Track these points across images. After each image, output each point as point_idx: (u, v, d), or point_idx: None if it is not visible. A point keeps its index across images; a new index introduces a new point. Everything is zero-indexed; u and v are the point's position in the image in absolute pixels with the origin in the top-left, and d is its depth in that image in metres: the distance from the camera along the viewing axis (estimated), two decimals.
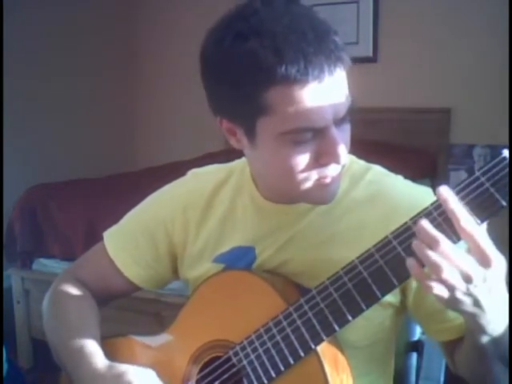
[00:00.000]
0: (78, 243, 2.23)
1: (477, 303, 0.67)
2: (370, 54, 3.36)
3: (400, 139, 3.17)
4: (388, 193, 0.86)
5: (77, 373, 0.85)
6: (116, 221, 1.02)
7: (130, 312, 2.01)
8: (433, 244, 0.64)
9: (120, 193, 2.34)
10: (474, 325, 0.71)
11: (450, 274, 0.63)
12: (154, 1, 3.93)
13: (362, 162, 0.92)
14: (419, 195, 0.85)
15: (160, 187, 1.01)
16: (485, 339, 0.73)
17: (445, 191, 0.65)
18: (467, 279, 0.64)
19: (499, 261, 0.65)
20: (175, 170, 1.04)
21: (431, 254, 0.64)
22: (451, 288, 0.64)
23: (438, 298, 0.66)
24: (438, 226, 0.66)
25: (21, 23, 3.12)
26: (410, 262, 0.66)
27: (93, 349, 0.87)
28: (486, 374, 0.82)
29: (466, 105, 3.15)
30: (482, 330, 0.71)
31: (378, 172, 0.90)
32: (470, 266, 0.64)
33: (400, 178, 0.90)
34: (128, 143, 4.08)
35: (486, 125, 3.09)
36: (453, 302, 0.66)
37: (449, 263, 0.63)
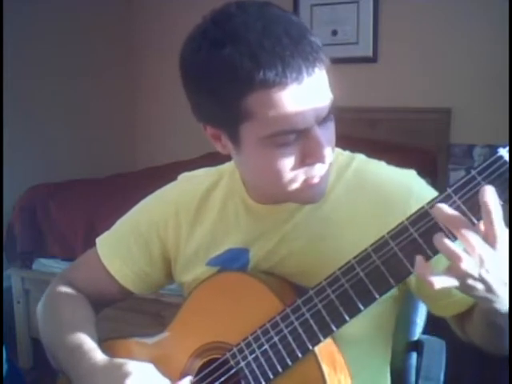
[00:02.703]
0: (77, 243, 2.23)
1: (489, 289, 0.65)
2: (370, 54, 3.36)
3: (400, 139, 3.17)
4: (374, 180, 0.87)
5: (76, 370, 0.85)
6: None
7: (130, 312, 2.01)
8: (453, 223, 0.63)
9: (120, 193, 2.33)
10: (489, 308, 0.70)
11: (468, 263, 0.62)
12: (153, 0, 3.93)
13: (346, 153, 0.92)
14: (405, 178, 0.87)
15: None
16: (500, 318, 0.72)
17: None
18: (480, 263, 0.63)
19: (505, 240, 0.63)
20: (175, 170, 1.03)
21: (455, 248, 0.63)
22: (464, 276, 0.63)
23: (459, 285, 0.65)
24: (435, 225, 0.67)
25: (21, 23, 3.12)
26: (418, 263, 0.65)
27: (91, 345, 0.87)
28: (501, 343, 0.80)
29: (466, 105, 3.16)
30: (497, 313, 0.70)
31: (362, 160, 0.91)
32: (484, 249, 0.63)
33: (383, 163, 0.91)
34: (128, 143, 4.08)
35: (486, 125, 3.09)
36: (465, 288, 0.65)
37: (469, 250, 0.62)
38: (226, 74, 0.71)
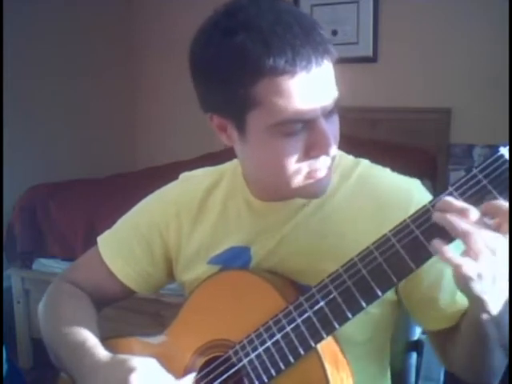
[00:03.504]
0: (77, 243, 2.23)
1: (494, 281, 0.65)
2: (370, 53, 3.36)
3: (400, 139, 3.17)
4: (377, 186, 0.87)
5: (79, 368, 0.84)
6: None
7: (130, 312, 2.01)
8: (463, 214, 0.63)
9: (120, 193, 2.33)
10: (480, 308, 0.70)
11: (480, 240, 0.63)
12: (154, 0, 3.93)
13: (350, 157, 0.92)
14: (407, 187, 0.87)
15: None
16: (488, 323, 0.72)
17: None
18: (492, 250, 0.63)
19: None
20: (175, 170, 1.03)
21: (460, 221, 0.63)
22: (477, 259, 0.63)
23: (464, 276, 0.64)
24: (435, 225, 0.67)
25: (21, 23, 3.12)
26: (436, 244, 0.65)
27: (94, 342, 0.87)
28: (486, 364, 0.81)
29: (466, 105, 3.16)
30: (487, 313, 0.70)
31: (366, 165, 0.91)
32: (496, 237, 0.64)
33: (387, 170, 0.91)
34: (128, 143, 4.08)
35: (486, 125, 3.09)
36: (474, 279, 0.65)
37: (478, 231, 0.63)
38: (237, 60, 0.72)
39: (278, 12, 0.74)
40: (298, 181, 0.79)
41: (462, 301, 0.81)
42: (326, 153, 0.77)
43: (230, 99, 0.76)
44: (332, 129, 0.78)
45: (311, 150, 0.77)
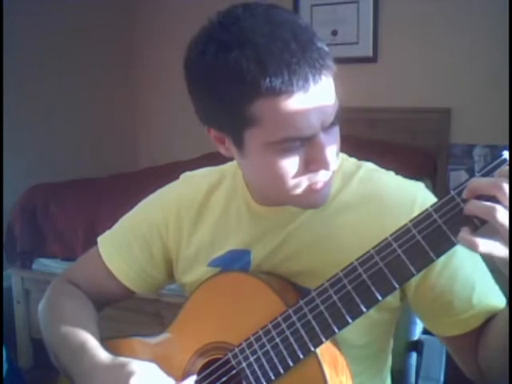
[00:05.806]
0: (77, 243, 2.23)
1: None
2: (370, 53, 3.36)
3: (400, 139, 3.17)
4: (379, 190, 0.86)
5: (79, 368, 0.84)
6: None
7: (130, 312, 2.01)
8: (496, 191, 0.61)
9: (120, 193, 2.34)
10: None
11: (503, 213, 0.59)
12: (155, 4, 3.93)
13: (352, 160, 0.92)
14: (410, 190, 0.86)
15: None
16: None
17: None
18: None
19: None
20: (175, 170, 1.03)
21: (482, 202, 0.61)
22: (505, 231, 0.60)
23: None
24: (438, 228, 0.66)
25: (21, 23, 3.12)
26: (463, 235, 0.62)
27: (94, 343, 0.86)
28: None
29: (466, 105, 3.16)
30: None
31: (368, 169, 0.90)
32: None
33: (391, 173, 0.90)
34: (128, 143, 4.08)
35: (486, 125, 3.09)
36: None
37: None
38: (232, 79, 0.70)
39: (274, 24, 0.71)
40: (297, 193, 0.78)
41: (479, 304, 0.79)
42: (326, 168, 0.76)
43: (227, 116, 0.75)
44: (332, 141, 0.77)
45: (310, 165, 0.76)
